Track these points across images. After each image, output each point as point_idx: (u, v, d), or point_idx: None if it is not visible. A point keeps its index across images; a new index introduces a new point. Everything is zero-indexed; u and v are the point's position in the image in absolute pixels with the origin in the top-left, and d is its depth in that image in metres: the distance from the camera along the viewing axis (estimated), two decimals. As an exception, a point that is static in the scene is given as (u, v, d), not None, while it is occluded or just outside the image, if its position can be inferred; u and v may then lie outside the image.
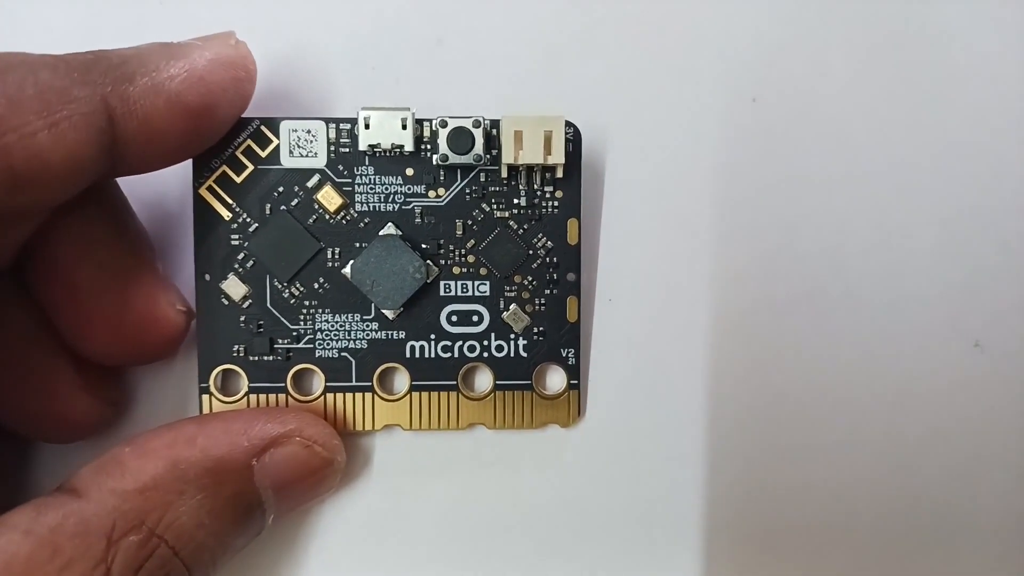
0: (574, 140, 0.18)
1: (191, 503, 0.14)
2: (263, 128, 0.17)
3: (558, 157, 0.17)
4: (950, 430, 0.19)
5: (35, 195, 0.14)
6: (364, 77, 0.19)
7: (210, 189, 0.17)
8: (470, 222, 0.18)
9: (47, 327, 0.16)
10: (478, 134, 0.17)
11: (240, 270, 0.17)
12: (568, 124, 0.17)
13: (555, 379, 0.18)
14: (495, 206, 0.18)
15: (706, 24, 0.20)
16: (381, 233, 0.17)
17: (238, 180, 0.17)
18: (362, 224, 0.17)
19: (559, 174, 0.17)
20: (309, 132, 0.17)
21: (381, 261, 0.17)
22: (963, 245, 0.20)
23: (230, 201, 0.17)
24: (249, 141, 0.17)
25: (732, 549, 0.19)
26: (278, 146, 0.17)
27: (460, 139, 0.17)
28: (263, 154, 0.17)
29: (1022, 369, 0.19)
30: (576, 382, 0.18)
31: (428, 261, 0.17)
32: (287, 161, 0.17)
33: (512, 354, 0.18)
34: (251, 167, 0.17)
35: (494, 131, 0.17)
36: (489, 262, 0.18)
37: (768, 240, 0.20)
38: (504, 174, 0.17)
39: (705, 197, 0.20)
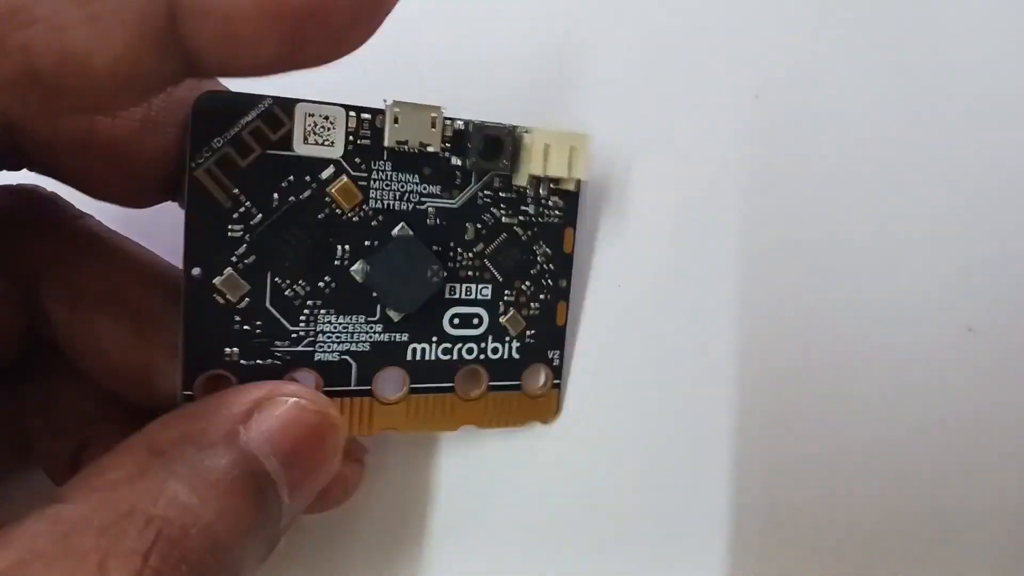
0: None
1: (184, 479, 0.13)
2: (276, 108, 0.15)
3: (581, 173, 0.17)
4: (944, 414, 0.20)
5: (75, 103, 0.11)
6: (383, 67, 0.18)
7: (209, 172, 0.15)
8: (479, 226, 0.17)
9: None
10: (507, 143, 0.17)
11: (240, 266, 0.15)
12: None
13: (540, 378, 0.18)
14: (504, 212, 0.17)
15: (707, 21, 0.20)
16: (396, 233, 0.16)
17: (242, 164, 0.15)
18: (374, 222, 0.16)
19: (572, 187, 0.17)
20: (327, 119, 0.16)
21: (398, 263, 0.16)
22: (956, 231, 0.20)
23: (232, 187, 0.15)
24: (259, 121, 0.15)
25: (714, 542, 0.19)
26: (291, 130, 0.15)
27: (494, 147, 0.17)
28: (273, 137, 0.15)
29: (1015, 353, 0.20)
30: (558, 381, 0.19)
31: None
32: (300, 148, 0.15)
33: (505, 356, 0.18)
34: (258, 150, 0.15)
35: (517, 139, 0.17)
36: (495, 267, 0.17)
37: (764, 232, 0.20)
38: (523, 182, 0.17)
39: (705, 195, 0.19)
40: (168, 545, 0.12)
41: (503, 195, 0.17)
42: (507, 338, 0.18)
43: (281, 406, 0.14)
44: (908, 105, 0.20)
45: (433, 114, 0.16)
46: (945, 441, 0.20)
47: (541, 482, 0.19)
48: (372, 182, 0.16)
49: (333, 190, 0.16)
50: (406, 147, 0.16)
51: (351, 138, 0.16)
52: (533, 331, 0.18)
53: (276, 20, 0.11)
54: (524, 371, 0.18)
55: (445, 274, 0.17)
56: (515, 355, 0.18)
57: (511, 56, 0.19)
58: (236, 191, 0.15)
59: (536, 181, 0.17)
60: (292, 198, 0.16)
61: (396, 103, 0.16)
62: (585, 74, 0.19)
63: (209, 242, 0.15)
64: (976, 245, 0.20)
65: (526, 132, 0.17)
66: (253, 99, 0.15)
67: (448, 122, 0.16)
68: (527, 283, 0.18)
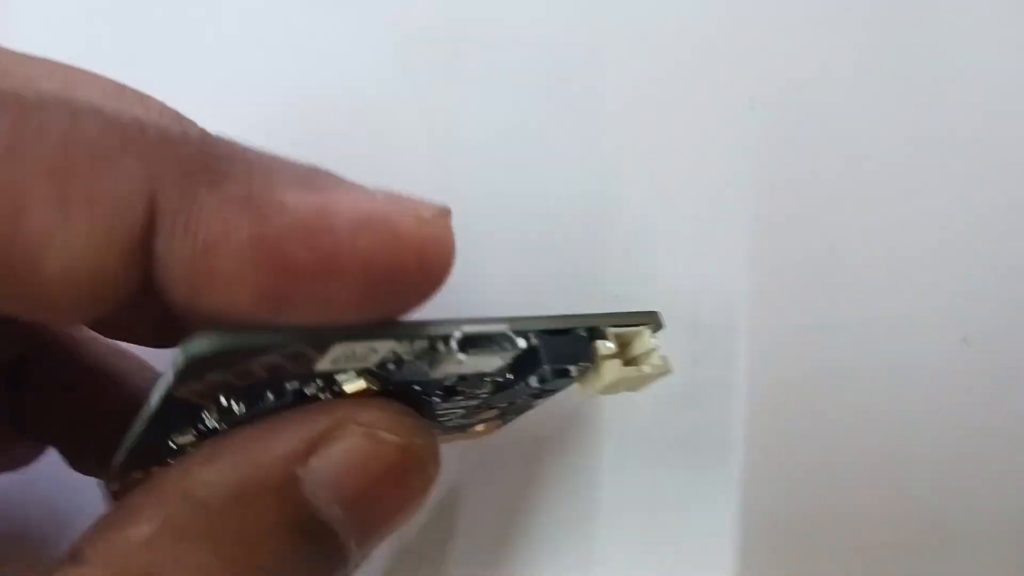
0: None
1: (219, 540, 0.11)
2: (305, 348, 0.10)
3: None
4: (937, 425, 0.20)
5: (12, 304, 0.09)
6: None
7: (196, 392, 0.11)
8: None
9: None
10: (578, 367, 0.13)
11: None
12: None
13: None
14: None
15: (702, 28, 0.19)
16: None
17: (241, 385, 0.11)
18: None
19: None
20: (371, 350, 0.11)
21: None
22: (952, 241, 0.20)
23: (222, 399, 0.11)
24: (277, 357, 0.10)
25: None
26: (317, 361, 0.11)
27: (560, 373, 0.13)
28: (292, 369, 0.11)
29: (1009, 363, 0.20)
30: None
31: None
32: (325, 366, 0.11)
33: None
34: (265, 375, 0.11)
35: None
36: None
37: (761, 240, 0.20)
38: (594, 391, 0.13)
39: (701, 203, 0.19)
40: None
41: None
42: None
43: (352, 439, 0.11)
44: (904, 113, 0.20)
45: (501, 350, 0.12)
46: (937, 451, 0.20)
47: (548, 486, 0.19)
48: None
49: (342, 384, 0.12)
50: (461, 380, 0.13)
51: (393, 363, 0.12)
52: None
53: (266, 271, 0.09)
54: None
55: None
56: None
57: (511, 55, 0.19)
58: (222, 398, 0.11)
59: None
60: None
61: (464, 333, 0.11)
62: (578, 84, 0.19)
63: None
64: (971, 255, 0.20)
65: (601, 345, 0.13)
66: (271, 343, 0.10)
67: (525, 342, 0.12)
68: None
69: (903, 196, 0.20)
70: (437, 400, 0.13)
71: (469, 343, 0.11)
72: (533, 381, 0.13)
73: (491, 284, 0.19)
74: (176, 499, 0.11)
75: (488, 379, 0.13)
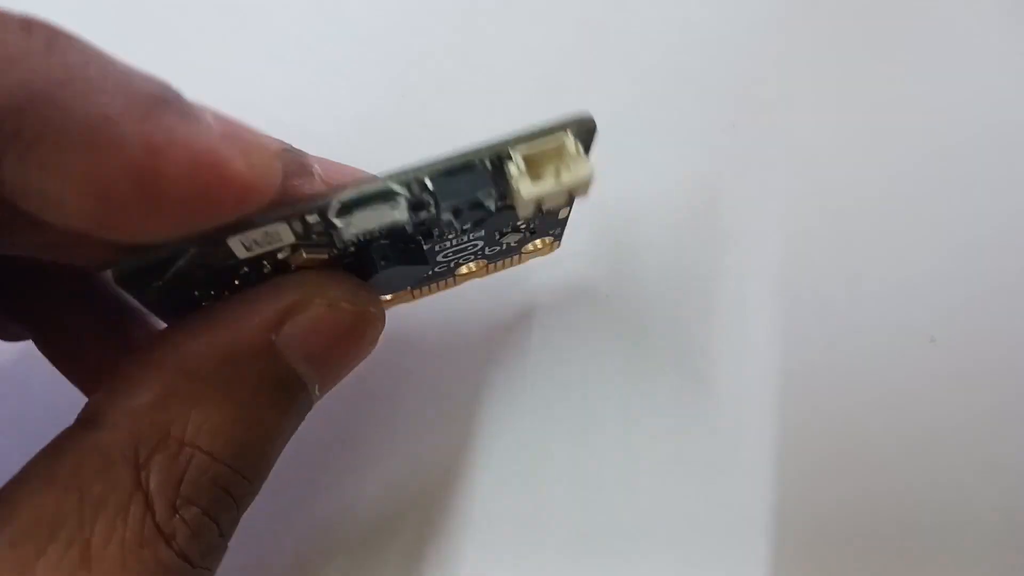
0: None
1: (216, 399, 0.13)
2: (206, 251, 0.12)
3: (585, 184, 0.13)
4: (906, 425, 0.20)
5: None
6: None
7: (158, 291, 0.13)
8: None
9: None
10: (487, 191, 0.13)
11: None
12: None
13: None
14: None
15: (685, 51, 0.21)
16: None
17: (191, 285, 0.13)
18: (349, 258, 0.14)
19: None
20: (267, 234, 0.13)
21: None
22: (919, 240, 0.20)
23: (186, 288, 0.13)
24: (190, 263, 0.13)
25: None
26: (231, 256, 0.13)
27: (473, 206, 0.14)
28: (215, 264, 0.13)
29: (978, 363, 0.20)
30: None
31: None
32: (243, 254, 0.13)
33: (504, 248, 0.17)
34: (203, 274, 0.13)
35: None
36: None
37: (738, 243, 0.21)
38: (527, 212, 0.14)
39: (683, 222, 0.21)
40: (198, 471, 0.12)
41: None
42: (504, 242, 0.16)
43: (316, 309, 0.13)
44: (871, 121, 0.21)
45: (389, 203, 0.13)
46: (905, 451, 0.20)
47: (581, 485, 0.20)
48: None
49: (290, 259, 0.14)
50: (370, 235, 0.14)
51: (302, 240, 0.13)
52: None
53: (93, 203, 0.10)
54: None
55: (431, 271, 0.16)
56: (513, 244, 0.16)
57: (498, 79, 0.21)
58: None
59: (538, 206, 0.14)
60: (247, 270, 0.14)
61: (340, 202, 0.13)
62: (568, 104, 0.20)
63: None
64: (939, 254, 0.20)
65: (506, 159, 0.13)
66: (174, 254, 0.12)
67: (408, 192, 0.13)
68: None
69: (870, 198, 0.20)
70: (429, 246, 0.15)
71: (348, 208, 0.13)
72: (446, 216, 0.14)
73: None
74: (172, 370, 0.13)
75: (440, 222, 0.14)
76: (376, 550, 0.19)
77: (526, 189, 0.13)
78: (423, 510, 0.19)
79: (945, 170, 0.21)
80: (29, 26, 0.10)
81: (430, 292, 0.18)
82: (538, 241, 0.17)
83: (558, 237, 0.17)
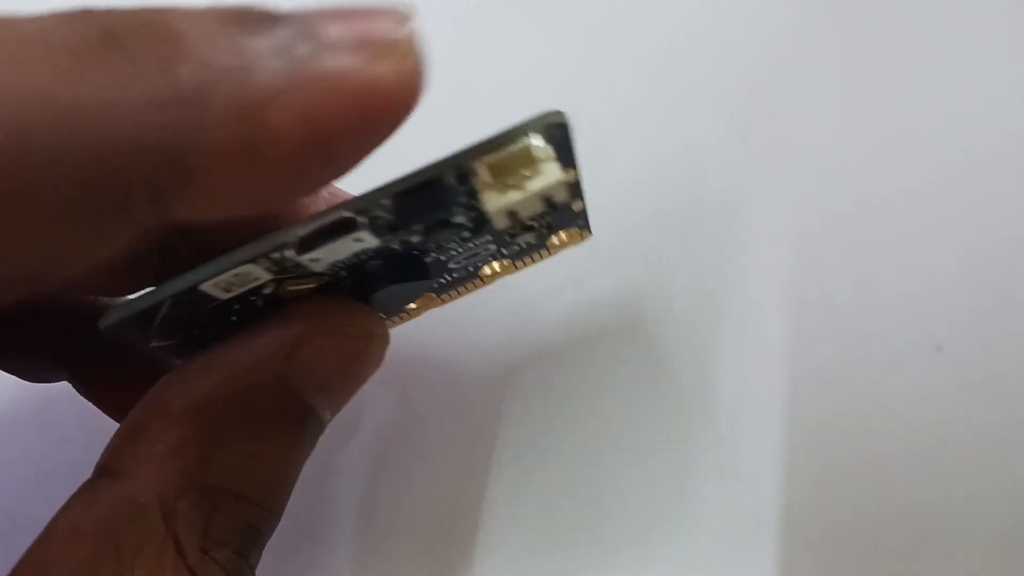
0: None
1: (233, 439, 0.13)
2: (181, 299, 0.12)
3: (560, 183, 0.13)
4: (912, 432, 0.20)
5: None
6: None
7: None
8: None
9: None
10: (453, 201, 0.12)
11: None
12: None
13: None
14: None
15: (696, 61, 0.21)
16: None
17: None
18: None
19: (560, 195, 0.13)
20: (238, 276, 0.12)
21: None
22: (927, 249, 0.21)
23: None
24: (172, 310, 0.13)
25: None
26: (210, 299, 0.13)
27: (440, 224, 0.13)
28: (197, 310, 0.13)
29: (984, 372, 0.20)
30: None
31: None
32: (224, 296, 0.13)
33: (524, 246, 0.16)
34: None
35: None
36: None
37: (748, 252, 0.21)
38: (502, 224, 0.13)
39: (694, 230, 0.21)
40: (224, 513, 0.12)
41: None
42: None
43: (323, 338, 0.13)
44: (890, 137, 0.21)
45: (351, 233, 0.12)
46: (910, 459, 0.20)
47: (592, 489, 0.20)
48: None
49: (282, 295, 0.13)
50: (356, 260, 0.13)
51: (274, 276, 0.13)
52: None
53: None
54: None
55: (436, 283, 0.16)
56: (532, 242, 0.16)
57: (495, 90, 0.21)
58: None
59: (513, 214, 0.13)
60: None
61: (299, 238, 0.12)
62: (582, 116, 0.20)
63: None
64: (944, 262, 0.21)
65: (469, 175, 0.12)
66: (154, 305, 0.12)
67: (368, 218, 0.12)
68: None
69: (879, 209, 0.21)
70: (432, 259, 0.14)
71: (309, 243, 0.12)
72: (416, 238, 0.13)
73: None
74: (188, 414, 0.13)
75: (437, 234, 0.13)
76: (392, 555, 0.19)
77: (492, 202, 0.12)
78: (439, 516, 0.19)
79: (954, 180, 0.21)
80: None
81: (459, 295, 0.17)
82: (563, 234, 0.16)
83: (583, 227, 0.16)
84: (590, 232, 0.17)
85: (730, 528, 0.19)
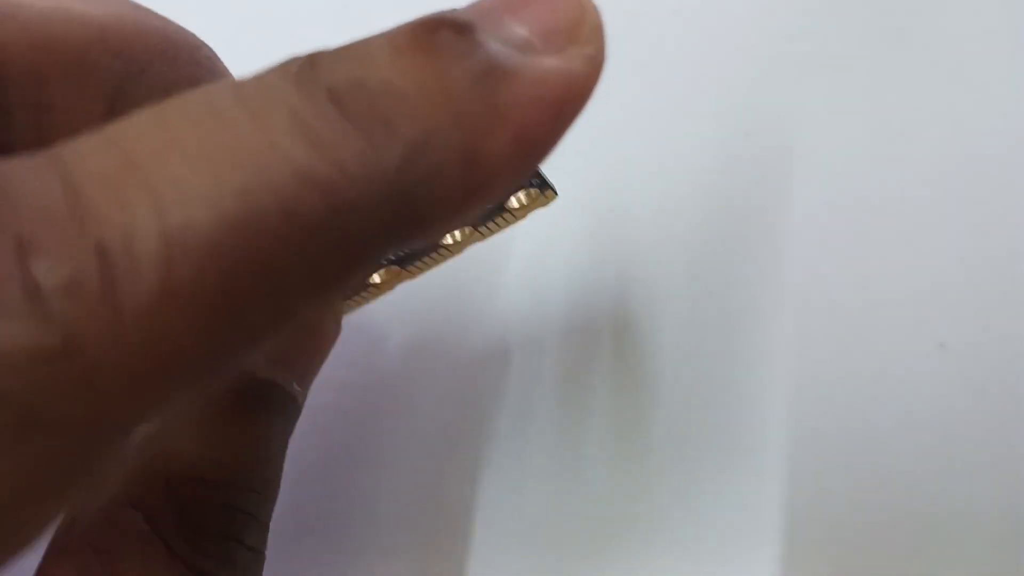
0: None
1: (192, 428, 0.13)
2: None
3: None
4: (914, 429, 0.20)
5: None
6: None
7: None
8: None
9: None
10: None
11: None
12: None
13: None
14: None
15: (698, 59, 0.21)
16: None
17: None
18: None
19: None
20: None
21: None
22: (930, 246, 0.21)
23: None
24: None
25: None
26: None
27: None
28: None
29: (987, 370, 0.20)
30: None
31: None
32: None
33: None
34: None
35: None
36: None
37: (750, 250, 0.21)
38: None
39: (697, 231, 0.21)
40: (204, 503, 0.12)
41: None
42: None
43: None
44: (892, 136, 0.21)
45: None
46: (912, 457, 0.20)
47: (593, 487, 0.20)
48: None
49: None
50: None
51: None
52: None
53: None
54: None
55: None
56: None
57: None
58: None
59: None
60: None
61: None
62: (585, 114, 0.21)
63: None
64: (947, 259, 0.20)
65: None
66: None
67: None
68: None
69: (881, 205, 0.21)
70: None
71: None
72: None
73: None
74: None
75: None
76: (391, 550, 0.19)
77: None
78: (436, 511, 0.20)
79: (958, 178, 0.21)
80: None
81: (427, 267, 0.17)
82: (521, 195, 0.16)
83: (541, 186, 0.16)
84: (554, 192, 0.16)
85: (732, 527, 0.20)
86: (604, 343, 0.21)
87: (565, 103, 0.09)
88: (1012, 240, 0.20)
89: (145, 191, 0.07)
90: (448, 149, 0.08)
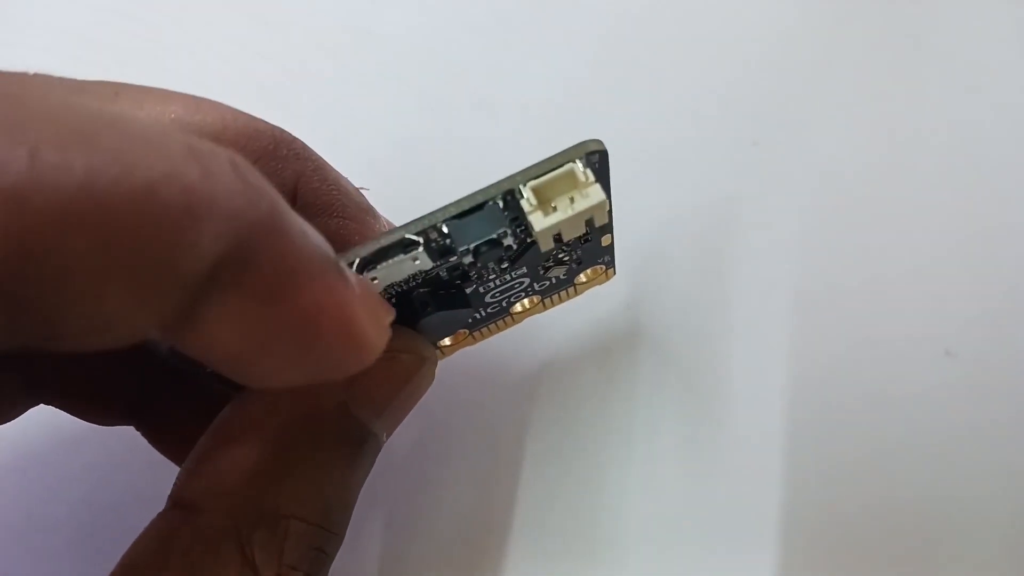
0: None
1: (302, 468, 0.13)
2: None
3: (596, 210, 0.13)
4: (918, 434, 0.20)
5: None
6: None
7: None
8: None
9: None
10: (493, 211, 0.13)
11: None
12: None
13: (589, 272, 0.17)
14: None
15: (708, 69, 0.21)
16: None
17: None
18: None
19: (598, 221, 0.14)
20: None
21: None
22: (937, 254, 0.21)
23: None
24: None
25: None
26: None
27: (490, 244, 0.14)
28: None
29: (993, 376, 0.20)
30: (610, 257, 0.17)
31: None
32: None
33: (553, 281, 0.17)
34: None
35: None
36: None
37: (758, 257, 0.21)
38: (547, 246, 0.14)
39: (704, 236, 0.21)
40: (296, 539, 0.13)
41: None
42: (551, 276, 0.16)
43: (379, 364, 0.13)
44: (899, 143, 0.21)
45: (409, 253, 0.13)
46: (919, 463, 0.20)
47: (599, 491, 0.20)
48: None
49: None
50: (405, 286, 0.14)
51: None
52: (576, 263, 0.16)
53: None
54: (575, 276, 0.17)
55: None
56: (562, 277, 0.17)
57: (511, 103, 0.21)
58: None
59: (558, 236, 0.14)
60: None
61: (360, 258, 0.13)
62: (583, 125, 0.21)
63: None
64: (954, 267, 0.21)
65: (518, 197, 0.13)
66: None
67: (424, 239, 0.13)
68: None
69: (888, 214, 0.21)
70: (472, 289, 0.15)
71: (368, 263, 0.13)
72: (467, 259, 0.14)
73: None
74: (257, 445, 0.13)
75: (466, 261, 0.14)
76: (415, 561, 0.19)
77: (538, 221, 0.13)
78: (456, 519, 0.20)
79: (963, 184, 0.21)
80: (236, 165, 0.09)
81: (490, 333, 0.18)
82: (589, 271, 0.17)
83: (609, 264, 0.17)
84: (614, 270, 0.18)
85: (735, 527, 0.20)
86: (613, 348, 0.21)
87: None
88: (1019, 248, 0.21)
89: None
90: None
